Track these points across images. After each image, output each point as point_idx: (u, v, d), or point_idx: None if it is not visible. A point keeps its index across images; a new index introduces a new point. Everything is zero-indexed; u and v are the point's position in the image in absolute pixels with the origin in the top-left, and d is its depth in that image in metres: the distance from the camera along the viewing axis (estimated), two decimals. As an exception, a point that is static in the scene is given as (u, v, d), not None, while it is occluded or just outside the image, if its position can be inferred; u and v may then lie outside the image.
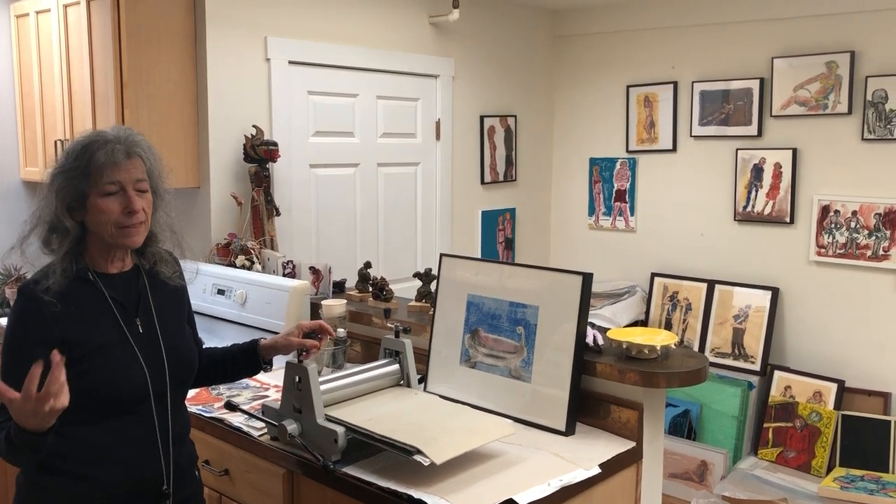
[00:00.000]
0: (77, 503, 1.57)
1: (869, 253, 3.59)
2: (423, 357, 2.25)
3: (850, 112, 3.61)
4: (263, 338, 1.96)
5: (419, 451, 1.65)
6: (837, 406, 3.56)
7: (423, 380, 2.22)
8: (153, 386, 1.64)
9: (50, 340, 1.53)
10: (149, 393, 1.63)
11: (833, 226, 3.69)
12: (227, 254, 3.07)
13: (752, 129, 3.92)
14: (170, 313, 1.74)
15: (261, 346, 1.91)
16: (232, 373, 1.95)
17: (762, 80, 3.87)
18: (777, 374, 3.77)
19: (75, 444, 1.57)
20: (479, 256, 4.22)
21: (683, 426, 3.81)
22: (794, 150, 3.79)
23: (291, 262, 2.95)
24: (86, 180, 1.58)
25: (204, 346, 1.98)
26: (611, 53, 4.47)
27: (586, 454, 1.86)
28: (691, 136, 4.16)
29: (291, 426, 1.84)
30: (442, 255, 2.31)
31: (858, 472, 3.38)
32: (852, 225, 3.63)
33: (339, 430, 1.78)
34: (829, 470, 3.48)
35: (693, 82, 4.12)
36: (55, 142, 3.21)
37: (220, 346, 2.20)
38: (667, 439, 3.51)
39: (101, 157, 1.58)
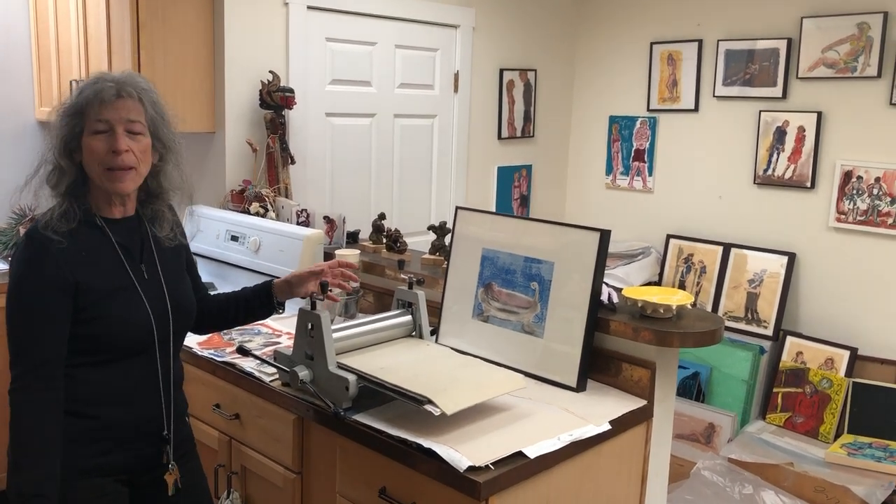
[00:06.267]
0: (82, 441, 1.58)
1: (890, 220, 3.53)
2: (435, 310, 2.24)
3: (879, 75, 3.52)
4: (277, 277, 1.96)
5: (430, 401, 1.65)
6: (849, 373, 3.55)
7: (434, 332, 2.21)
8: (158, 332, 1.64)
9: (64, 284, 1.52)
10: (154, 339, 1.63)
11: (855, 192, 3.63)
12: (241, 200, 3.05)
13: (777, 91, 3.84)
14: (170, 261, 1.74)
15: (275, 286, 1.91)
16: (244, 316, 1.95)
17: (790, 41, 3.78)
18: (789, 339, 3.75)
19: (81, 386, 1.57)
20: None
21: (692, 388, 3.81)
22: (819, 114, 3.71)
23: (305, 210, 2.94)
24: (79, 119, 1.57)
25: (214, 293, 1.98)
26: (635, 9, 4.37)
27: (597, 410, 1.86)
28: (714, 96, 4.08)
29: (303, 373, 1.85)
30: (458, 209, 2.28)
31: (866, 440, 3.38)
32: (875, 192, 3.57)
33: (351, 377, 1.78)
34: (837, 436, 3.48)
35: (718, 41, 4.03)
36: (70, 82, 3.19)
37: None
38: (675, 401, 3.51)
39: (90, 93, 1.57)
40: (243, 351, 2.02)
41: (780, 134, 3.85)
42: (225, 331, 2.36)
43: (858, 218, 3.63)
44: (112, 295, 1.58)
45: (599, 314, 1.98)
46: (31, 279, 1.53)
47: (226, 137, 3.17)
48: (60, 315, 1.52)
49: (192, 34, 3.05)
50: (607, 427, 1.81)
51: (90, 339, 1.56)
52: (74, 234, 1.56)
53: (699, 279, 4.10)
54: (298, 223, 2.89)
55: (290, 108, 3.18)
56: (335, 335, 1.88)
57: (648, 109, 4.36)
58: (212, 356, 2.18)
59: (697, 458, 3.37)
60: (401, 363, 1.88)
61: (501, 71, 4.22)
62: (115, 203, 1.64)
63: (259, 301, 1.92)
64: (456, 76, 4.00)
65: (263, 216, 2.93)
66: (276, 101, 3.12)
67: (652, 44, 4.29)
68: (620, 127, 4.48)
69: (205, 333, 2.12)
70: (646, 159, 4.40)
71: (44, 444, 1.50)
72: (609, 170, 4.56)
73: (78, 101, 1.58)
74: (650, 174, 4.39)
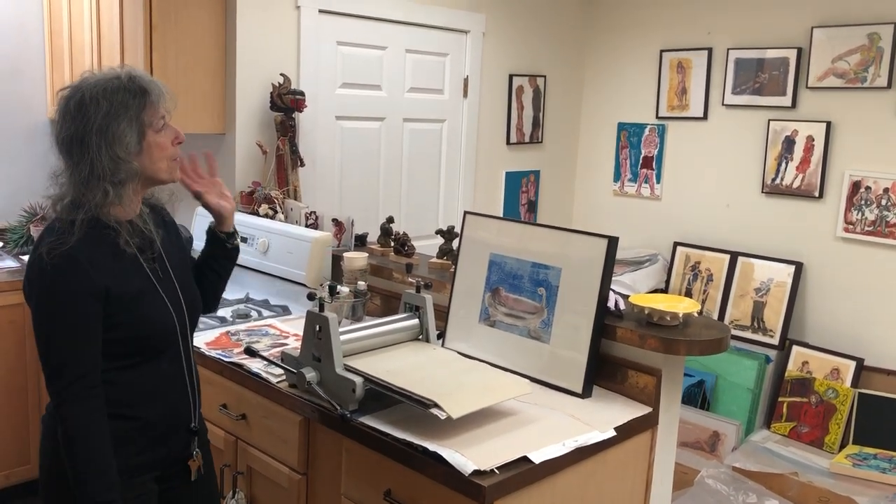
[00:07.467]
0: (125, 442, 1.59)
1: (898, 231, 3.53)
2: (442, 314, 2.25)
3: (889, 86, 3.51)
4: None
5: (436, 405, 1.65)
6: (855, 384, 3.54)
7: (441, 336, 2.22)
8: (179, 327, 1.66)
9: (95, 291, 1.51)
10: (177, 334, 1.66)
11: (863, 202, 3.62)
12: (250, 202, 3.07)
13: (786, 100, 3.83)
14: (175, 255, 1.74)
15: (213, 223, 1.86)
16: (218, 269, 1.86)
17: (800, 50, 3.78)
18: (795, 349, 3.75)
19: (120, 388, 1.58)
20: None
21: (698, 396, 3.80)
22: (828, 124, 3.71)
23: (314, 213, 2.95)
24: (139, 129, 1.54)
25: None
26: (645, 16, 4.38)
27: (602, 417, 1.86)
28: (723, 104, 4.08)
29: (310, 374, 1.86)
30: (466, 213, 2.29)
31: (871, 451, 3.37)
32: (883, 202, 3.56)
33: (358, 380, 1.79)
34: (842, 447, 3.47)
35: (728, 49, 4.03)
36: (83, 82, 3.20)
37: (241, 293, 2.19)
38: (680, 408, 3.51)
39: (154, 89, 1.57)
40: (251, 352, 2.03)
41: (789, 143, 3.85)
42: (233, 330, 2.38)
43: (866, 228, 3.62)
44: (137, 298, 1.58)
45: (606, 321, 1.99)
46: (65, 290, 1.50)
47: (236, 139, 3.18)
48: (96, 322, 1.52)
49: (205, 36, 3.07)
50: (612, 433, 1.81)
51: (120, 343, 1.56)
52: (92, 242, 1.54)
53: (706, 287, 4.09)
54: (307, 225, 2.90)
55: (301, 111, 3.19)
56: (342, 337, 1.89)
57: (657, 117, 4.36)
58: (219, 356, 2.19)
59: (702, 466, 3.37)
60: (407, 366, 1.89)
61: (511, 76, 4.23)
62: (134, 203, 1.63)
63: (214, 244, 1.85)
64: (465, 81, 4.01)
65: (272, 218, 2.94)
66: (286, 103, 3.14)
67: (661, 51, 4.30)
68: (629, 134, 4.49)
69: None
70: (654, 166, 4.40)
71: (104, 452, 1.52)
72: (617, 176, 4.56)
73: (141, 101, 1.54)
74: (658, 181, 4.39)
